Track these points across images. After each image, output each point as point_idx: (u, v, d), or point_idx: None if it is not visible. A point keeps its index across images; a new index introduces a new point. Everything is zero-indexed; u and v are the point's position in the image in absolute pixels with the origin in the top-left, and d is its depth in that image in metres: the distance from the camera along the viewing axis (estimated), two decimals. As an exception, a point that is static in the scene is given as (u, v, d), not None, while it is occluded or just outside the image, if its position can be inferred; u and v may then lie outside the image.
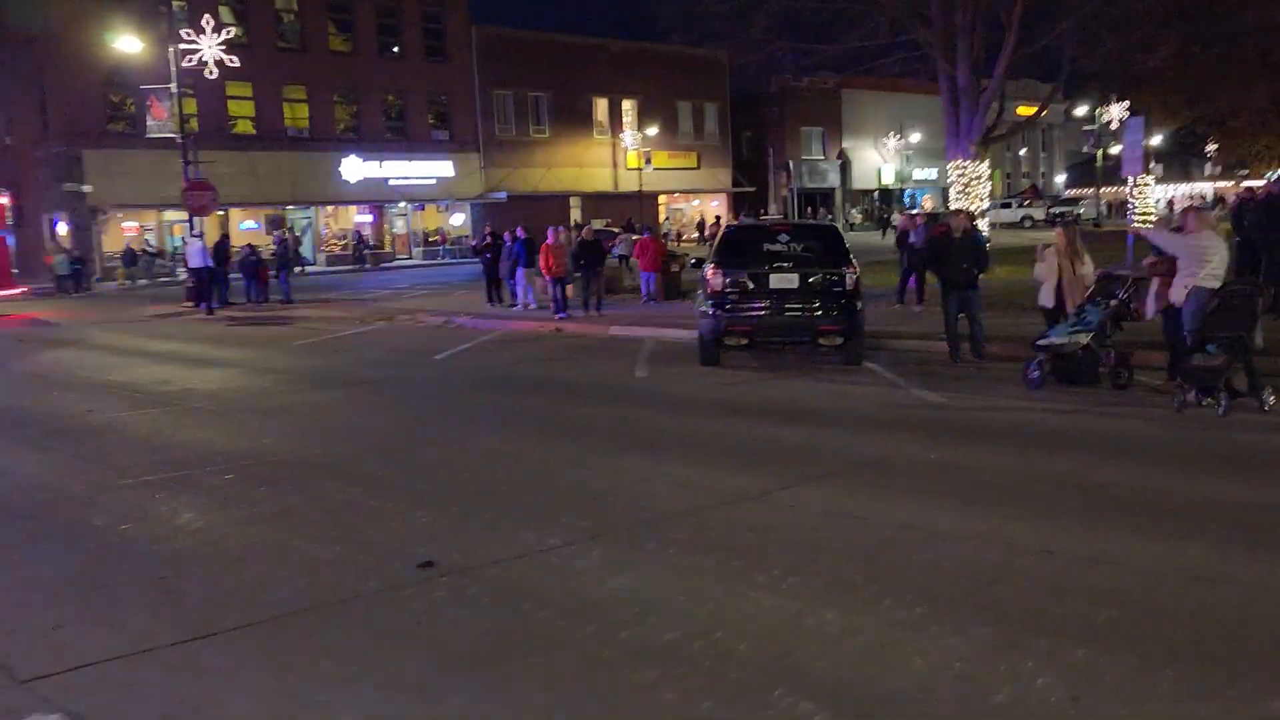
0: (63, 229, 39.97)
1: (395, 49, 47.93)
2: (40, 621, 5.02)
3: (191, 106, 27.53)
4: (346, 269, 44.22)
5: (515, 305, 21.89)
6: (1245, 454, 8.04)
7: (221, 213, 35.76)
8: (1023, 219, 56.52)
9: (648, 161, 53.18)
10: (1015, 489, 7.08)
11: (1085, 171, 66.88)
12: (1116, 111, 44.05)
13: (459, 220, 50.98)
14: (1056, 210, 56.35)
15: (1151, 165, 38.71)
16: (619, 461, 8.25)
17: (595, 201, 52.49)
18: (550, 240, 19.76)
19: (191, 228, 27.44)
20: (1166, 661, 4.25)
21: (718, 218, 53.60)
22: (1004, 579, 5.29)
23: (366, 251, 46.35)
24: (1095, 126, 53.17)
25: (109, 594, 5.44)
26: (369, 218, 48.25)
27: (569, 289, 20.12)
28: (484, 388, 12.43)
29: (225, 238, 28.84)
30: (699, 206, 60.34)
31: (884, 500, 6.83)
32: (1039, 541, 5.86)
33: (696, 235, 55.85)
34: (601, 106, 54.72)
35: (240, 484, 7.75)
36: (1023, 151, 78.75)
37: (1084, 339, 10.77)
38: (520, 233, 21.82)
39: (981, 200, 25.55)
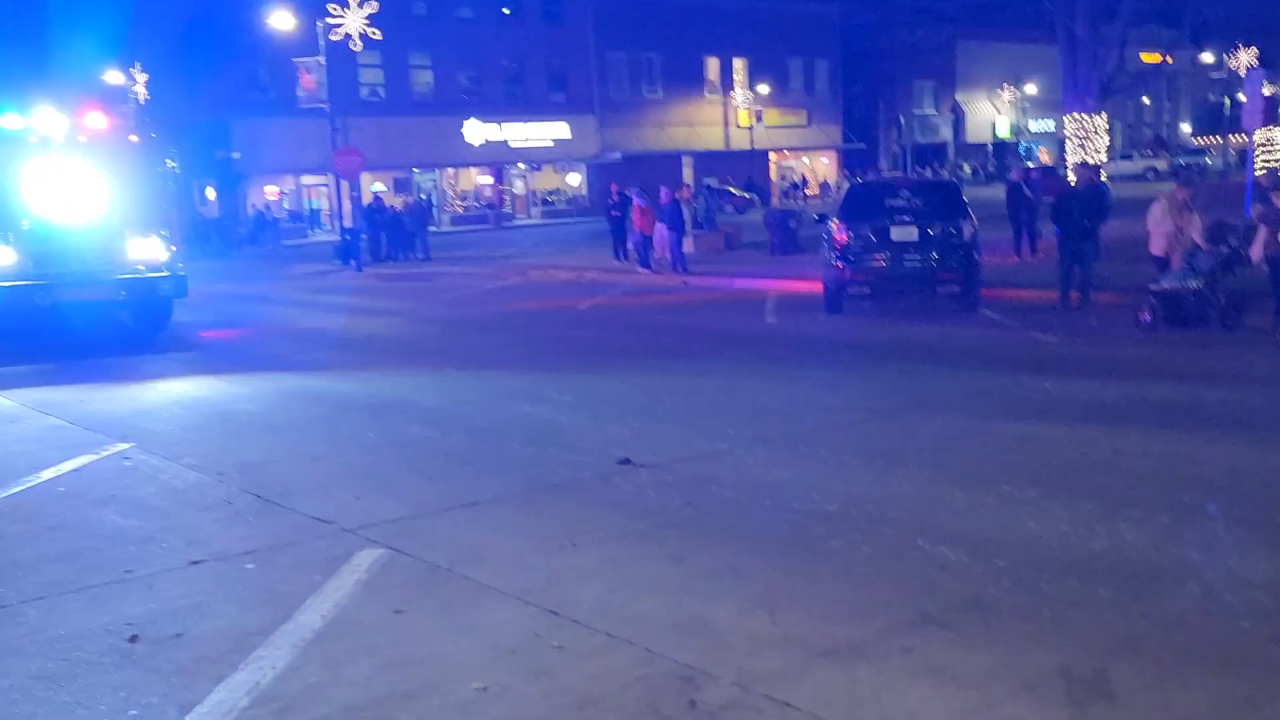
0: (211, 194, 42.82)
1: (508, 11, 49.33)
2: (343, 494, 6.54)
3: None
4: (469, 228, 46.17)
5: (640, 262, 23.22)
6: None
7: (354, 176, 37.93)
8: (1145, 170, 55.26)
9: (759, 119, 53.81)
10: (1125, 409, 8.11)
11: (1213, 121, 64.75)
12: (1245, 59, 42.95)
13: (575, 181, 52.58)
14: (1183, 162, 54.87)
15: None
16: (765, 387, 9.52)
17: (707, 160, 53.39)
18: (638, 202, 21.58)
19: (338, 192, 29.51)
20: (1243, 528, 5.32)
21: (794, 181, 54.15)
22: (1109, 471, 6.40)
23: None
24: (1224, 74, 51.68)
25: (379, 478, 6.93)
26: (490, 179, 50.21)
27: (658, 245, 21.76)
28: (629, 332, 13.78)
29: (378, 199, 30.89)
30: (808, 164, 60.66)
31: (1003, 418, 7.93)
32: (1143, 447, 6.94)
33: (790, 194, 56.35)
34: (713, 66, 55.43)
35: (447, 406, 9.25)
36: (1146, 101, 76.34)
37: (1195, 284, 11.54)
38: (667, 193, 23.08)
39: (1099, 153, 25.74)
